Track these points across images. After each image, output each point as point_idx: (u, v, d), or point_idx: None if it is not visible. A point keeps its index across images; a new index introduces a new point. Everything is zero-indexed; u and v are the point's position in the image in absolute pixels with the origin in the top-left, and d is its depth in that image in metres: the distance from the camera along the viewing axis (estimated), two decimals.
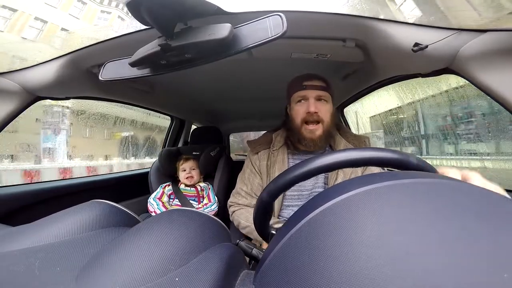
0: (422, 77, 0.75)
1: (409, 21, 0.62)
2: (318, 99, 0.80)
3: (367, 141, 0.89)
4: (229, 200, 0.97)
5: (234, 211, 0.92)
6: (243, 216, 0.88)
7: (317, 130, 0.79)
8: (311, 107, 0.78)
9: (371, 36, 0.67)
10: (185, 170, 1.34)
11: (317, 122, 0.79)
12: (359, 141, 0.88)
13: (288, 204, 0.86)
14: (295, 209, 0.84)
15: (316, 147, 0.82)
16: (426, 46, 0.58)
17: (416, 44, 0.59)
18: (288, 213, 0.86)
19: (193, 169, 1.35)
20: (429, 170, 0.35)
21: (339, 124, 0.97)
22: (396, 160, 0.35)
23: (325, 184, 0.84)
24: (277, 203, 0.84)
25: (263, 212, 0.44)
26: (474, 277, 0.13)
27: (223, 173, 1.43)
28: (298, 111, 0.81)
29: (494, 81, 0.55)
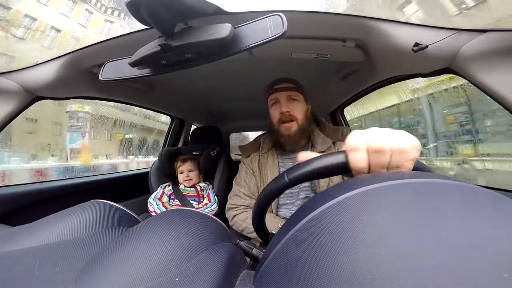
0: (422, 77, 0.76)
1: (410, 21, 0.62)
2: (289, 99, 0.86)
3: (345, 131, 0.89)
4: (228, 203, 0.96)
5: (235, 215, 0.91)
6: (249, 220, 0.86)
7: (292, 127, 0.85)
8: (283, 107, 0.84)
9: (371, 36, 0.67)
10: (182, 173, 1.32)
11: (291, 120, 0.85)
12: (337, 132, 0.89)
13: (283, 202, 0.89)
14: (290, 207, 0.87)
15: (293, 142, 0.88)
16: (426, 46, 0.58)
17: (416, 44, 0.59)
18: (283, 212, 0.88)
19: (191, 171, 1.33)
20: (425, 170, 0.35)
21: (319, 120, 0.99)
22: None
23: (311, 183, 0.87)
24: (274, 203, 0.86)
25: (261, 214, 0.44)
26: (474, 277, 0.13)
27: (223, 173, 1.43)
28: (273, 114, 0.88)
29: (494, 81, 0.55)
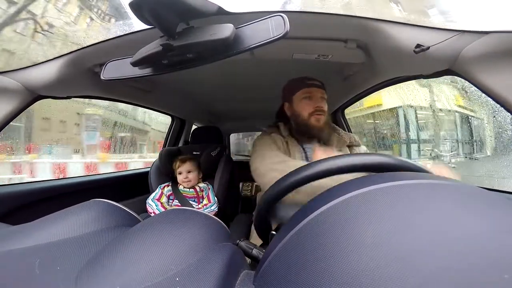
0: (423, 78, 0.75)
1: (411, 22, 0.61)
2: (320, 97, 0.93)
3: (357, 138, 1.00)
4: (259, 166, 0.79)
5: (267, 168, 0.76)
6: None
7: (321, 119, 0.92)
8: (318, 103, 0.91)
9: (373, 37, 0.67)
10: (181, 174, 1.31)
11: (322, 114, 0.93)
12: (350, 137, 1.00)
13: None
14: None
15: (321, 132, 0.94)
16: (428, 47, 0.58)
17: (418, 45, 0.59)
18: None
19: (190, 171, 1.31)
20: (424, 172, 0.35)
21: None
22: (392, 164, 0.35)
23: None
24: None
25: (263, 214, 0.44)
26: (475, 277, 0.13)
27: (223, 173, 1.43)
28: (305, 106, 0.92)
29: (496, 82, 0.54)
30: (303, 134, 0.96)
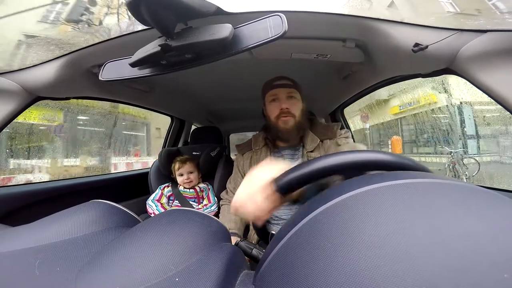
0: (422, 77, 0.76)
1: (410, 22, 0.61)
2: (288, 96, 0.89)
3: (336, 127, 0.92)
4: (221, 194, 1.11)
5: (222, 205, 1.08)
6: (225, 214, 1.01)
7: (290, 121, 0.88)
8: (282, 104, 0.87)
9: (371, 36, 0.67)
10: (182, 175, 1.31)
11: (289, 115, 0.88)
12: (326, 130, 0.92)
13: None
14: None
15: (290, 136, 0.91)
16: (427, 47, 0.58)
17: (417, 45, 0.59)
18: (279, 213, 0.89)
19: (191, 172, 1.32)
20: (424, 171, 0.35)
21: (312, 119, 1.03)
22: (390, 162, 0.35)
23: None
24: None
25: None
26: (474, 277, 0.13)
27: (223, 173, 1.43)
28: (272, 109, 0.90)
29: (494, 81, 0.54)
30: (276, 138, 0.95)
